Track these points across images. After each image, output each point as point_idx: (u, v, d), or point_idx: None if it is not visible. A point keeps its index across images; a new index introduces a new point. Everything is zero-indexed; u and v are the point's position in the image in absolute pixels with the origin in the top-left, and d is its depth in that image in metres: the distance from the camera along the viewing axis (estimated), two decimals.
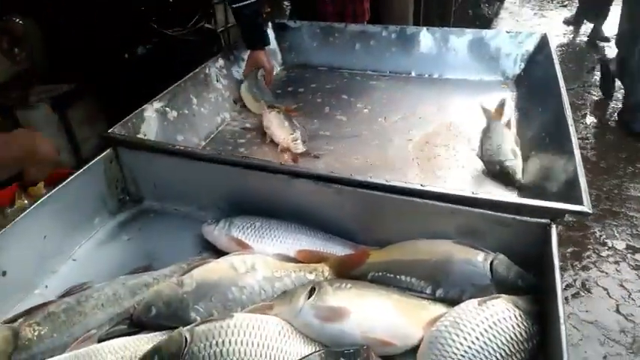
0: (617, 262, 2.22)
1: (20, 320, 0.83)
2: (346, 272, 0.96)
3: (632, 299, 2.02)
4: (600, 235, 2.37)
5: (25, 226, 0.95)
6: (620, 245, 2.31)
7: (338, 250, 1.03)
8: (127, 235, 1.15)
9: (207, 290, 0.89)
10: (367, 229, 1.04)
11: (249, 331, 0.80)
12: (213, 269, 0.94)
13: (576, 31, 5.17)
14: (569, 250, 2.29)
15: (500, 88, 1.78)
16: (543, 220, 0.87)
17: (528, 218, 0.88)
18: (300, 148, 1.40)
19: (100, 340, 0.83)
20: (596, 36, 4.79)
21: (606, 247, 2.31)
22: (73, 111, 1.80)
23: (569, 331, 1.93)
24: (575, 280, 2.14)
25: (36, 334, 0.82)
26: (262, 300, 0.90)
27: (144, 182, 1.21)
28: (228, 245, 1.04)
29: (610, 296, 2.05)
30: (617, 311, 1.97)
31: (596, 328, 1.91)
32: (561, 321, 0.70)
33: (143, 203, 1.24)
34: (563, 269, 2.18)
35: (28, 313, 0.85)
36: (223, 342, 0.78)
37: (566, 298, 2.08)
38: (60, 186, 1.06)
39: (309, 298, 0.85)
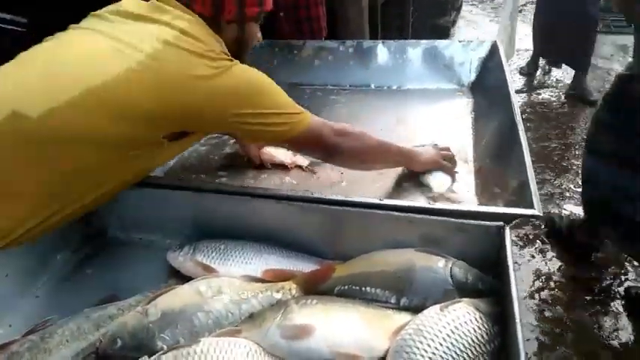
0: None
1: None
2: (313, 288, 0.97)
3: None
4: None
5: None
6: None
7: (304, 266, 1.04)
8: (91, 268, 1.13)
9: (173, 318, 0.89)
10: (332, 243, 1.06)
11: (216, 355, 0.80)
12: (178, 296, 0.93)
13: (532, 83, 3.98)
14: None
15: (457, 95, 1.83)
16: (497, 224, 0.90)
17: (483, 222, 0.91)
18: (305, 161, 1.44)
19: None
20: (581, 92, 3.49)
21: None
22: None
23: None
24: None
25: None
26: (230, 323, 0.90)
27: (107, 213, 1.20)
28: (194, 270, 1.04)
29: None
30: None
31: None
32: (517, 320, 0.72)
33: (107, 235, 1.22)
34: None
35: None
36: None
37: (530, 293, 2.13)
38: None
39: (277, 318, 0.86)
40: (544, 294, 2.03)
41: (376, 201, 0.97)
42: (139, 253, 1.16)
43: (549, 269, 2.15)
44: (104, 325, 0.91)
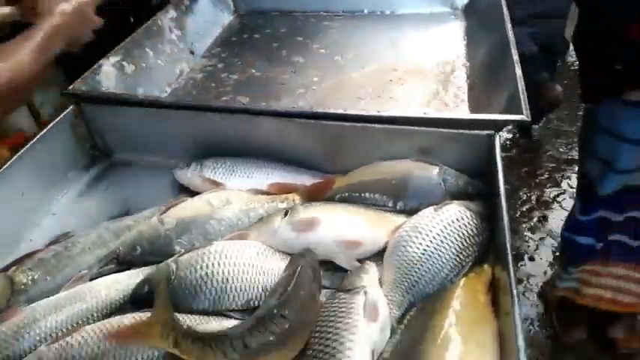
0: (569, 177, 2.40)
1: (12, 269, 0.88)
2: (315, 199, 1.04)
3: None
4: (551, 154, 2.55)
5: (1, 186, 0.98)
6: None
7: (306, 180, 1.10)
8: (103, 186, 1.19)
9: (188, 225, 0.96)
10: (332, 158, 1.11)
11: (230, 254, 0.87)
12: (190, 206, 1.00)
13: None
14: (524, 169, 2.45)
15: (451, 19, 1.83)
16: (488, 132, 0.95)
17: (475, 131, 0.96)
18: None
19: (92, 279, 0.90)
20: None
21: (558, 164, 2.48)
22: None
23: (527, 242, 2.11)
24: (530, 197, 2.31)
25: (30, 278, 0.87)
26: (240, 229, 0.97)
27: (111, 136, 1.24)
28: (202, 186, 1.09)
29: (562, 208, 2.23)
30: None
31: (551, 238, 2.10)
32: (504, 213, 0.80)
33: (113, 157, 1.27)
34: (518, 188, 2.34)
35: (18, 262, 0.90)
36: (207, 265, 0.85)
37: (522, 212, 2.25)
38: (28, 145, 1.08)
39: (284, 218, 0.93)
40: None
41: (373, 114, 1.02)
42: (146, 173, 1.21)
43: None
44: (123, 234, 0.98)
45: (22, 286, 0.86)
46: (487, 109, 1.11)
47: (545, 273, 1.96)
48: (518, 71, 1.05)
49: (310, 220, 0.92)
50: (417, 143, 1.02)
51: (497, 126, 0.96)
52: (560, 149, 2.59)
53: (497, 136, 0.94)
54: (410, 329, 0.76)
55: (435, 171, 0.99)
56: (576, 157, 1.64)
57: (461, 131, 0.97)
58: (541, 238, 2.11)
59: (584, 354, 1.65)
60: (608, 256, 1.40)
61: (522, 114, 0.94)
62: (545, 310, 1.78)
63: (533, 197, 2.31)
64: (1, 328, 0.78)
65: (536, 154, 2.56)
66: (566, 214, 1.64)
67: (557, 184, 2.39)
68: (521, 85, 1.01)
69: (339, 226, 0.92)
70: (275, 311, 0.73)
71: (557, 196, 2.32)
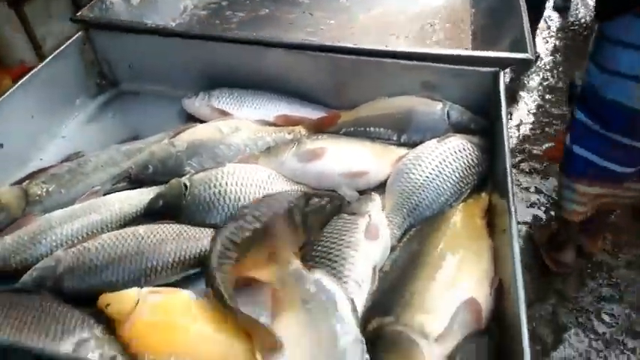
0: None
1: (26, 182, 0.91)
2: (320, 132, 1.06)
3: None
4: None
5: (11, 106, 1.00)
6: None
7: (312, 113, 1.12)
8: (110, 114, 1.20)
9: (198, 148, 0.99)
10: (338, 93, 1.13)
11: (242, 175, 0.91)
12: (200, 131, 1.03)
13: None
14: None
15: None
16: (493, 69, 0.98)
17: (480, 68, 0.99)
18: None
19: (105, 195, 0.93)
20: None
21: None
22: (30, 7, 1.74)
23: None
24: None
25: (44, 190, 0.90)
26: None
27: (119, 64, 1.24)
28: (210, 115, 1.11)
29: None
30: None
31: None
32: (505, 144, 0.83)
33: (120, 86, 1.28)
34: None
35: (31, 176, 0.93)
36: (220, 184, 0.89)
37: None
38: (38, 67, 1.08)
39: (292, 149, 0.96)
40: None
41: (383, 48, 1.04)
42: (153, 102, 1.22)
43: None
44: (134, 156, 1.00)
45: (37, 198, 0.89)
46: (493, 49, 1.12)
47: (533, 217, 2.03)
48: (524, 9, 1.07)
49: (316, 151, 0.95)
50: (422, 79, 1.04)
51: (503, 64, 0.98)
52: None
53: (502, 74, 0.97)
54: (409, 244, 0.81)
55: (438, 106, 1.02)
56: None
57: (466, 67, 1.00)
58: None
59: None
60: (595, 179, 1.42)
61: (527, 52, 0.96)
62: (533, 252, 1.86)
63: None
64: (18, 233, 0.82)
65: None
66: None
67: None
68: (526, 24, 1.03)
69: (344, 157, 0.95)
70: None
71: None
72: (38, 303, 0.72)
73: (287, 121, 1.09)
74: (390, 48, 1.03)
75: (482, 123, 1.00)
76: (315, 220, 0.84)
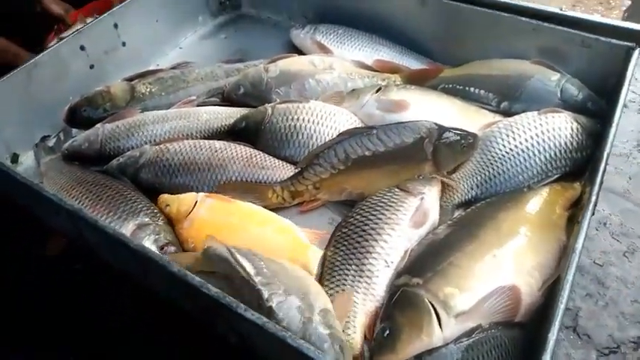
0: None
1: (136, 79, 1.01)
2: (417, 84, 1.00)
3: None
4: None
5: (140, 5, 1.10)
6: None
7: (414, 64, 1.07)
8: (225, 34, 1.27)
9: (288, 78, 1.00)
10: (445, 47, 1.05)
11: (322, 114, 0.91)
12: (295, 62, 1.04)
13: None
14: None
15: None
16: (627, 43, 0.83)
17: (612, 40, 0.84)
18: None
19: (199, 106, 1.00)
20: None
21: None
22: None
23: None
24: None
25: (148, 90, 1.00)
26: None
27: None
28: (311, 48, 1.12)
29: None
30: None
31: None
32: (612, 130, 0.71)
33: (241, 9, 1.33)
34: None
35: (142, 75, 1.03)
36: (299, 118, 0.90)
37: None
38: None
39: (375, 94, 0.93)
40: None
41: (504, 0, 0.93)
42: (266, 29, 1.27)
43: None
44: (232, 74, 1.06)
45: (141, 95, 0.99)
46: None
47: None
48: None
49: (398, 103, 0.90)
50: (542, 43, 0.92)
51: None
52: None
53: (637, 52, 0.81)
54: (470, 214, 0.75)
55: (554, 77, 0.90)
56: None
57: (595, 36, 0.85)
58: None
59: None
60: None
61: None
62: None
63: None
64: (116, 124, 0.93)
65: None
66: None
67: None
68: None
69: (426, 113, 0.88)
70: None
71: None
72: (117, 185, 0.82)
73: (384, 67, 1.05)
74: (512, 0, 0.92)
75: (600, 104, 0.86)
76: (445, 153, 0.80)
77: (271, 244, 0.73)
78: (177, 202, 0.78)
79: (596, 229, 1.06)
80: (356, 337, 0.63)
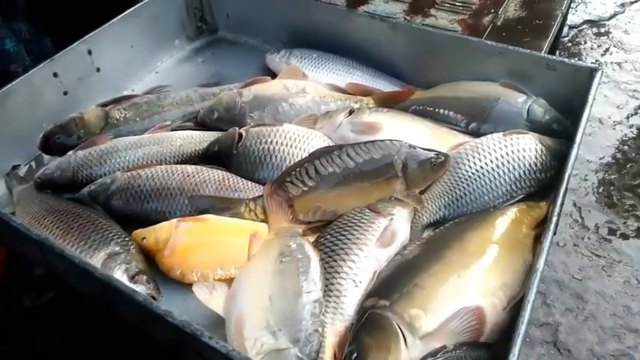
0: None
1: (111, 105, 1.02)
2: (389, 106, 1.02)
3: None
4: None
5: (114, 31, 1.11)
6: None
7: (386, 86, 1.09)
8: (202, 57, 1.28)
9: (262, 102, 1.01)
10: (416, 70, 1.07)
11: (295, 136, 0.92)
12: (268, 86, 1.05)
13: None
14: None
15: None
16: (590, 65, 0.85)
17: (576, 62, 0.87)
18: None
19: (172, 130, 1.00)
20: None
21: None
22: None
23: None
24: None
25: (122, 116, 1.00)
26: None
27: (219, 12, 1.31)
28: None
29: None
30: None
31: None
32: (574, 150, 0.73)
33: (218, 33, 1.35)
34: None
35: (118, 101, 1.03)
36: (272, 141, 0.91)
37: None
38: (143, 2, 1.17)
39: (348, 116, 0.95)
40: None
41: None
42: (243, 53, 1.28)
43: None
44: (208, 99, 1.07)
45: (115, 121, 0.99)
46: None
47: None
48: None
49: (371, 125, 0.92)
50: (509, 66, 0.94)
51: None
52: None
53: (599, 74, 0.84)
54: (437, 236, 0.76)
55: (521, 98, 0.92)
56: None
57: (560, 59, 0.88)
58: None
59: None
60: None
61: None
62: None
63: None
64: (89, 150, 0.93)
65: None
66: None
67: None
68: None
69: (399, 135, 0.89)
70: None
71: None
72: (87, 213, 0.82)
73: (357, 90, 1.07)
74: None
75: (566, 124, 0.89)
76: (415, 171, 0.82)
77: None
78: (153, 233, 0.79)
79: (575, 245, 1.08)
80: (325, 358, 0.63)
